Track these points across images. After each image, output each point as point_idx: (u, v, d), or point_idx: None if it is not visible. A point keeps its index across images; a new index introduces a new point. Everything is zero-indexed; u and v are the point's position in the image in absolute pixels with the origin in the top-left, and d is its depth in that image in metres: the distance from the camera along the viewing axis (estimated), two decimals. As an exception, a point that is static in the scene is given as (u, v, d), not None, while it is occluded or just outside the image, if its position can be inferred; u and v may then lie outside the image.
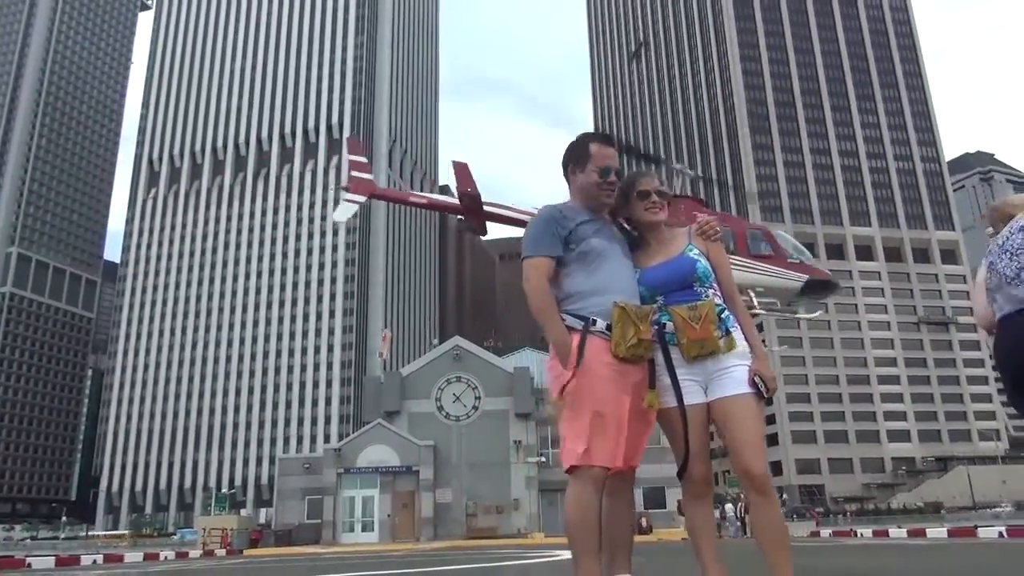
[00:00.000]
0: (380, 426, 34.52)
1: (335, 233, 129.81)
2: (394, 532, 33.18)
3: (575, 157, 2.92)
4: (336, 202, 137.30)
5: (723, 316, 2.75)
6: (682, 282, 2.79)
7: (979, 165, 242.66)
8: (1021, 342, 2.55)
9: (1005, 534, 17.94)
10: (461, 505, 33.68)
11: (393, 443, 34.14)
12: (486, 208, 19.50)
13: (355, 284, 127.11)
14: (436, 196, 17.56)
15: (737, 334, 2.75)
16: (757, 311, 18.83)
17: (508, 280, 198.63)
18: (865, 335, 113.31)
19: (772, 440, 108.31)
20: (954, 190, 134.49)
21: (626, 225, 3.02)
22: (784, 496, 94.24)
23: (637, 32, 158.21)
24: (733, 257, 18.52)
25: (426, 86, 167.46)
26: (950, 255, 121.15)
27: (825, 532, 32.13)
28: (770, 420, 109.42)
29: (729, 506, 30.42)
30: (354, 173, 18.02)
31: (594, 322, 2.68)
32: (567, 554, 10.14)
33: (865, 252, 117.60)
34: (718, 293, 2.82)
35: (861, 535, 26.09)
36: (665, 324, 2.72)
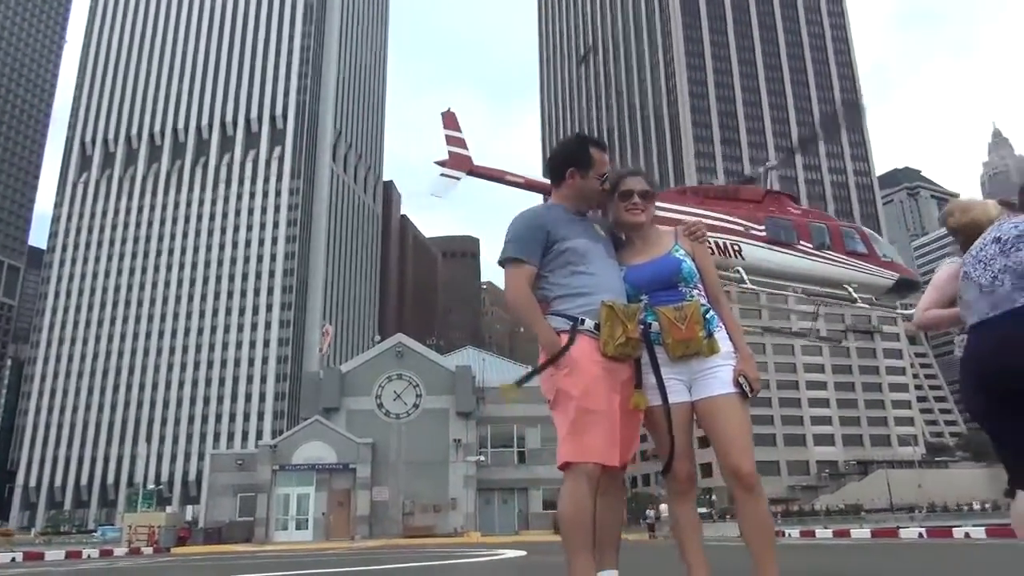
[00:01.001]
0: (318, 423, 34.02)
1: (275, 226, 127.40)
2: (329, 531, 32.73)
3: (576, 160, 2.87)
4: (278, 194, 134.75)
5: (708, 317, 2.77)
6: (667, 282, 2.79)
7: (907, 181, 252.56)
8: (1006, 339, 2.64)
9: (925, 535, 18.72)
10: (398, 504, 33.44)
11: (331, 440, 33.69)
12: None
13: (294, 278, 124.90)
14: (532, 176, 16.96)
15: (721, 335, 2.77)
16: (860, 305, 19.37)
17: (450, 278, 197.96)
18: (795, 341, 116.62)
19: (703, 442, 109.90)
20: (883, 204, 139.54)
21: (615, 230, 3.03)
22: (713, 497, 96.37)
23: (586, 36, 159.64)
24: (830, 253, 18.74)
25: (374, 80, 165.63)
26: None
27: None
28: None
29: (663, 506, 30.87)
30: (451, 148, 17.61)
31: (582, 322, 2.68)
32: (510, 553, 10.20)
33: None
34: (703, 294, 2.83)
35: (789, 535, 26.89)
36: (650, 324, 2.72)
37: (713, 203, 18.22)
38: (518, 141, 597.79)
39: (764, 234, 17.93)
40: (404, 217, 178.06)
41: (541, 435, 37.03)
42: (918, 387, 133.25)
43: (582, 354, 2.63)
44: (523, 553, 12.26)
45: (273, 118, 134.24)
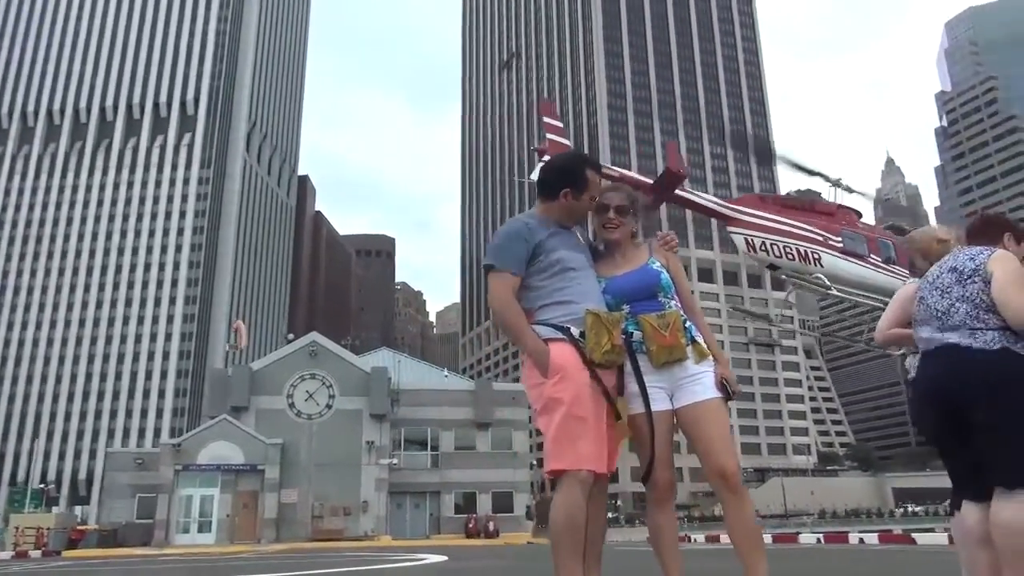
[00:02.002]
0: (226, 421, 32.87)
1: (181, 216, 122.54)
2: (233, 533, 31.67)
3: (573, 181, 2.90)
4: (186, 182, 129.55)
5: (687, 325, 2.84)
6: (647, 292, 2.86)
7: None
8: (960, 372, 2.84)
9: (823, 540, 19.64)
10: (307, 506, 32.66)
11: (238, 440, 32.62)
12: (682, 193, 19.22)
13: (200, 271, 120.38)
14: (627, 172, 16.78)
15: (701, 342, 2.86)
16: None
17: (364, 277, 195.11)
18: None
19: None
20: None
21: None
22: (619, 502, 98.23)
23: (510, 43, 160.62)
24: (896, 267, 19.39)
25: (292, 71, 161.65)
26: (779, 283, 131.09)
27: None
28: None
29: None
30: (551, 136, 17.37)
31: (567, 330, 2.71)
32: (432, 558, 10.13)
33: (707, 274, 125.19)
34: (679, 304, 2.90)
35: (695, 540, 27.73)
36: (632, 333, 2.78)
37: (792, 212, 19.04)
38: (438, 143, 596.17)
39: (841, 245, 18.81)
40: (319, 213, 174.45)
41: (455, 438, 36.95)
42: (812, 399, 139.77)
43: (570, 361, 2.65)
44: (444, 558, 12.20)
45: (184, 103, 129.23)
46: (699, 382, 2.77)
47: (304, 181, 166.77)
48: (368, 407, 34.50)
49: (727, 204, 20.09)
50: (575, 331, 2.71)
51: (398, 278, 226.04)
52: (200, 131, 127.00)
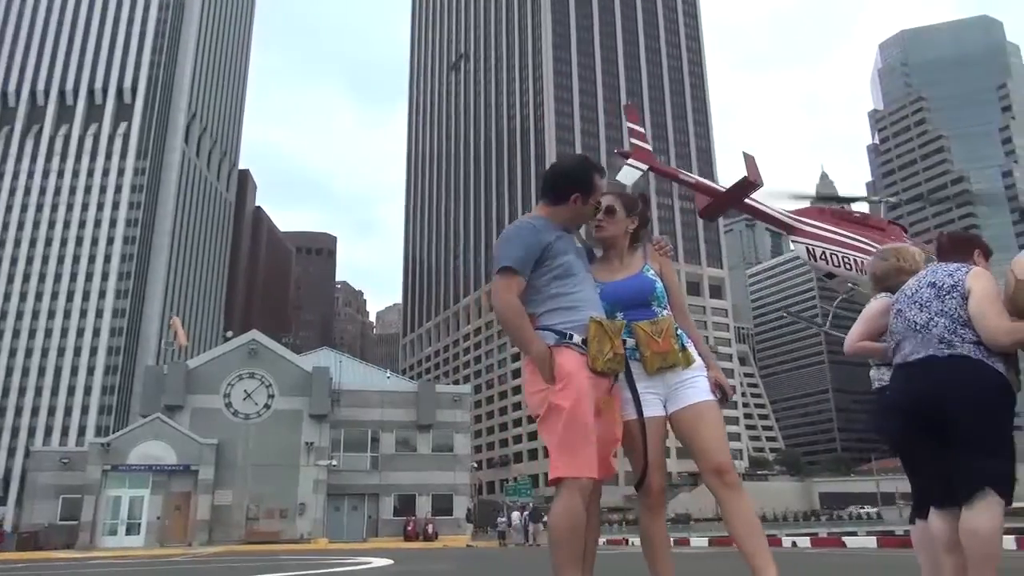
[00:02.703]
0: (159, 421, 31.93)
1: (114, 207, 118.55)
2: (163, 536, 30.79)
3: (583, 186, 2.90)
4: (120, 173, 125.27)
5: (679, 332, 2.88)
6: (641, 300, 2.89)
7: (746, 214, 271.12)
8: (939, 383, 2.97)
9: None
10: (242, 508, 31.96)
11: (172, 439, 31.72)
12: (751, 202, 19.23)
13: (133, 264, 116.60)
14: (703, 179, 16.81)
15: (692, 348, 2.91)
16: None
17: (304, 275, 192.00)
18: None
19: (544, 452, 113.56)
20: (724, 232, 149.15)
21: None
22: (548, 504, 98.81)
23: (458, 44, 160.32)
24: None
25: (235, 63, 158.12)
26: (717, 290, 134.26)
27: (600, 540, 34.26)
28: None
29: (516, 514, 31.37)
30: (634, 141, 17.43)
31: (571, 336, 2.71)
32: (378, 562, 10.02)
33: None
34: (671, 313, 2.94)
35: (633, 543, 28.09)
36: (625, 340, 2.79)
37: (848, 224, 19.53)
38: (384, 142, 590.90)
39: None
40: (259, 209, 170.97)
41: (396, 440, 36.67)
42: (745, 405, 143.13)
43: (574, 369, 2.65)
44: (390, 562, 12.10)
45: (120, 91, 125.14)
46: (692, 386, 2.83)
47: (245, 176, 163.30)
48: (308, 407, 33.97)
49: (791, 215, 20.61)
50: (577, 338, 2.71)
51: (339, 277, 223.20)
52: (137, 121, 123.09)
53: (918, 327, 3.08)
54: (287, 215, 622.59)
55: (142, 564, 14.96)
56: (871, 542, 18.37)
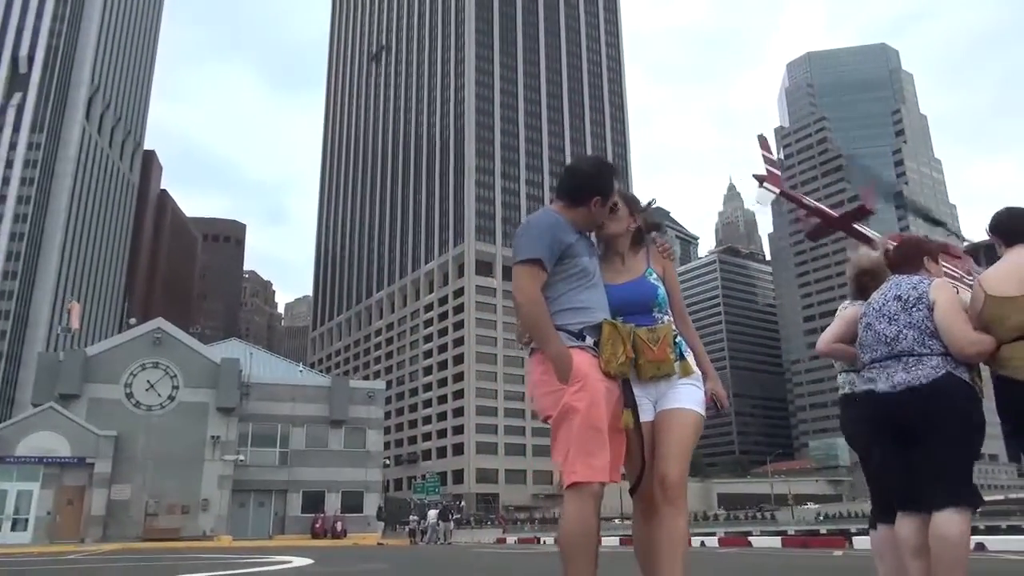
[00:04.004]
0: (52, 410, 30.12)
1: (4, 182, 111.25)
2: (53, 532, 29.08)
3: (601, 191, 2.84)
4: (12, 147, 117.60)
5: (677, 341, 2.85)
6: (644, 306, 2.86)
7: (657, 219, 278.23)
8: (904, 395, 3.09)
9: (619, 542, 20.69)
10: (141, 503, 30.54)
11: (66, 431, 29.99)
12: (858, 227, 19.57)
13: (23, 244, 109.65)
14: (820, 205, 17.31)
15: (691, 358, 2.88)
16: None
17: (210, 263, 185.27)
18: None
19: (458, 450, 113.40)
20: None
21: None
22: (462, 503, 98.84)
23: (380, 35, 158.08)
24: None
25: (143, 38, 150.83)
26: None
27: (511, 539, 34.44)
28: (458, 430, 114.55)
29: (432, 513, 31.17)
30: (768, 168, 18.27)
31: (584, 338, 2.67)
32: (298, 561, 9.73)
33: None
34: (672, 319, 2.91)
35: (545, 542, 28.40)
36: None
37: (944, 256, 20.68)
38: (300, 130, 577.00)
39: (971, 283, 21.08)
40: (164, 192, 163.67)
41: (307, 435, 35.83)
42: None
43: (590, 371, 2.61)
44: (310, 561, 11.78)
45: (15, 60, 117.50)
46: (679, 392, 2.80)
47: (150, 156, 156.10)
48: (215, 400, 32.77)
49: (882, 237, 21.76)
50: (590, 340, 2.67)
51: (247, 266, 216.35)
52: (33, 92, 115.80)
53: (888, 340, 3.22)
54: (194, 200, 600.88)
55: (27, 562, 14.04)
56: (776, 542, 19.17)
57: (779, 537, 21.27)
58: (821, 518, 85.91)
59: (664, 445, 2.72)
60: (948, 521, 2.91)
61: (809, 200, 19.71)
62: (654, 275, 2.94)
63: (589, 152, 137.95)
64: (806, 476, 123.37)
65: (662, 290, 2.92)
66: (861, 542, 16.81)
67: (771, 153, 21.34)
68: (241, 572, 8.73)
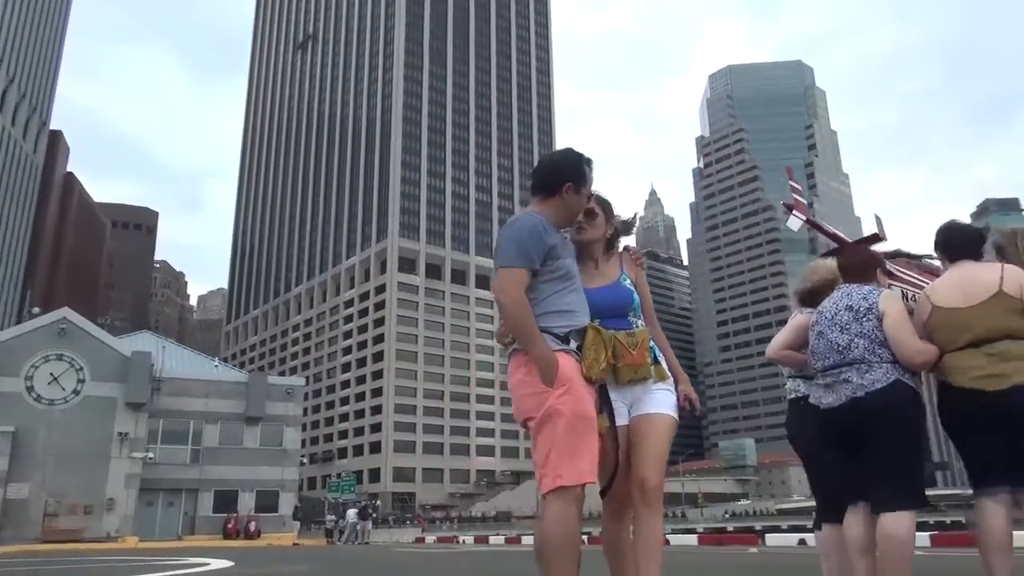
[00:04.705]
0: (-58, 404, 28.29)
1: None
2: (-60, 534, 27.29)
3: (574, 177, 2.83)
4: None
5: (651, 345, 2.91)
6: (621, 310, 2.89)
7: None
8: (855, 401, 3.22)
9: (586, 541, 20.95)
10: (40, 503, 28.94)
11: (-43, 425, 28.21)
12: (889, 263, 19.73)
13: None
14: (836, 231, 17.49)
15: (664, 363, 2.94)
16: None
17: (120, 251, 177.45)
18: (472, 357, 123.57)
19: (375, 448, 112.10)
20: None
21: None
22: (378, 502, 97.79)
23: (307, 23, 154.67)
24: None
25: (51, 11, 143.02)
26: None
27: (430, 538, 34.22)
28: (376, 428, 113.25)
29: (351, 512, 30.66)
30: (795, 196, 19.08)
31: (568, 341, 2.67)
32: (216, 563, 9.42)
33: (484, 281, 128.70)
34: (644, 325, 2.96)
35: (464, 541, 28.33)
36: None
37: (927, 274, 21.23)
38: (219, 118, 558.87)
39: None
40: (71, 175, 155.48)
41: (221, 433, 34.71)
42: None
43: (575, 374, 2.62)
44: (229, 563, 11.40)
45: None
46: (654, 396, 2.86)
47: (56, 137, 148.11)
48: (124, 395, 31.35)
49: (892, 264, 22.26)
50: (573, 343, 2.68)
51: (158, 256, 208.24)
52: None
53: (840, 348, 3.35)
54: (104, 185, 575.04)
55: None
56: (692, 539, 19.67)
57: (695, 535, 21.82)
58: (728, 516, 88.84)
59: (643, 449, 2.77)
60: (896, 521, 3.05)
61: (827, 226, 21.36)
62: (628, 280, 2.99)
63: (516, 153, 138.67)
64: (715, 475, 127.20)
65: (636, 295, 2.97)
66: (773, 539, 17.46)
67: (796, 183, 23.09)
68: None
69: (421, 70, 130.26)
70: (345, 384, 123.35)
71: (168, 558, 14.12)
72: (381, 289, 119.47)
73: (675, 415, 2.89)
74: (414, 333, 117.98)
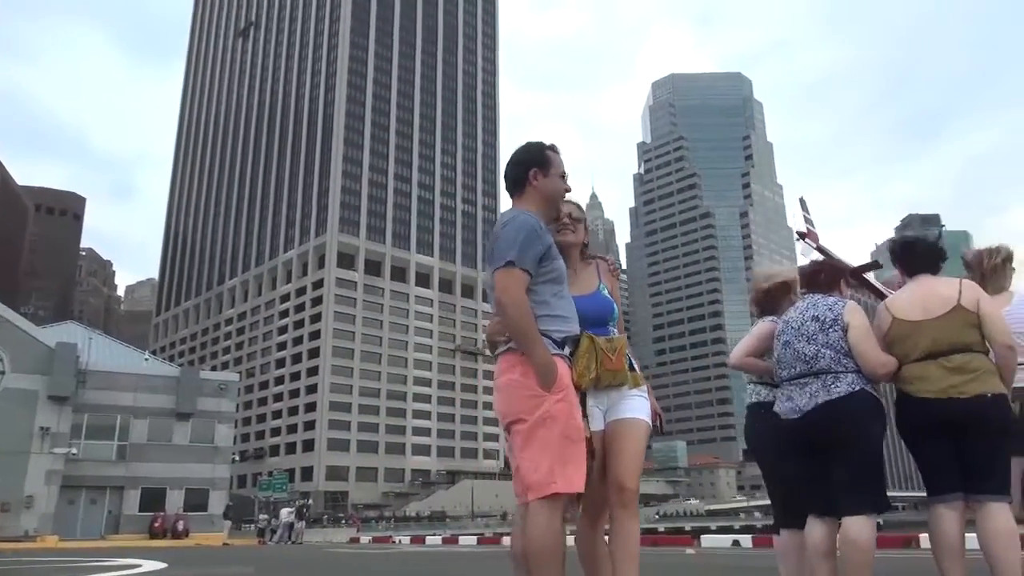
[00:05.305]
0: None
1: None
2: None
3: (537, 162, 2.84)
4: None
5: (627, 352, 2.94)
6: (603, 319, 2.92)
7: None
8: (821, 409, 3.31)
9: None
10: (-49, 501, 27.55)
11: None
12: (868, 279, 20.38)
13: None
14: (841, 259, 18.07)
15: (638, 370, 2.98)
16: None
17: (43, 236, 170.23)
18: (410, 355, 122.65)
19: (308, 446, 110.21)
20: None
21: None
22: (310, 502, 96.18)
23: (249, 10, 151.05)
24: None
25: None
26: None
27: (365, 539, 33.81)
28: (309, 426, 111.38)
29: (285, 511, 30.06)
30: (808, 227, 19.90)
31: (563, 347, 2.66)
32: (149, 565, 9.10)
33: (424, 279, 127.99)
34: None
35: (400, 541, 28.07)
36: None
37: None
38: (154, 103, 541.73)
39: None
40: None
41: (149, 428, 33.59)
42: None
43: (569, 381, 2.62)
44: (162, 565, 11.02)
45: None
46: (630, 403, 2.89)
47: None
48: (47, 388, 30.05)
49: (885, 286, 22.50)
50: (567, 349, 2.68)
51: (85, 243, 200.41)
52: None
53: (807, 358, 3.44)
54: (27, 167, 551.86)
55: None
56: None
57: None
58: (659, 516, 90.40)
59: (621, 453, 2.80)
60: (858, 526, 3.14)
61: (833, 253, 23.18)
62: (606, 290, 3.03)
63: (460, 152, 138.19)
64: (647, 476, 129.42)
65: (616, 306, 3.02)
66: (708, 540, 17.80)
67: (809, 214, 25.29)
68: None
69: (366, 64, 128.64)
70: (279, 380, 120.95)
71: (95, 559, 13.58)
72: (319, 284, 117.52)
73: (650, 421, 2.92)
74: (351, 330, 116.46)
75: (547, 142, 2.95)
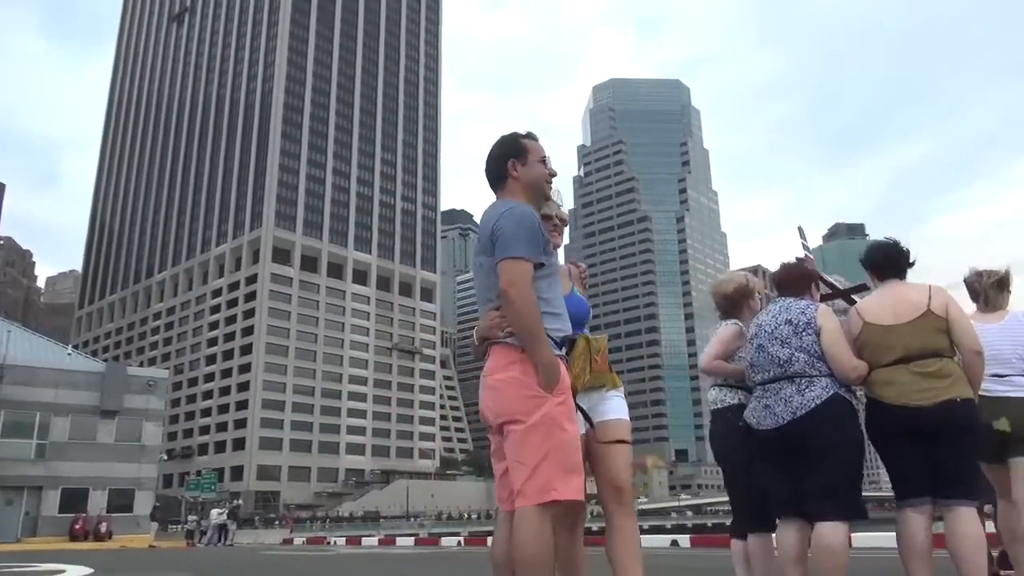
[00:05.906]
0: None
1: None
2: None
3: (514, 152, 2.76)
4: None
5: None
6: (580, 321, 2.90)
7: (461, 222, 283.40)
8: (795, 414, 3.30)
9: (464, 542, 20.84)
10: None
11: None
12: (856, 298, 20.02)
13: None
14: (834, 283, 17.21)
15: (614, 372, 2.97)
16: None
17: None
18: (346, 353, 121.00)
19: (239, 445, 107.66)
20: (441, 238, 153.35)
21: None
22: (239, 502, 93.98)
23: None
24: None
25: None
26: (428, 293, 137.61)
27: (299, 539, 33.15)
28: (240, 424, 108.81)
29: (215, 512, 29.19)
30: (806, 253, 19.59)
31: (561, 347, 2.59)
32: (75, 570, 8.65)
33: (361, 277, 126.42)
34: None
35: (335, 543, 27.62)
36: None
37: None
38: (80, 88, 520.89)
39: None
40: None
41: (71, 426, 32.18)
42: (441, 407, 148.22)
43: (568, 383, 2.56)
44: (88, 570, 10.51)
45: None
46: (612, 404, 2.93)
47: None
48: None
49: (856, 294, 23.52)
50: (563, 350, 2.61)
51: (3, 232, 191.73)
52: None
53: (781, 362, 3.44)
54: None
55: None
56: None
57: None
58: (591, 516, 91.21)
59: (613, 454, 2.85)
60: (832, 531, 3.14)
61: (828, 278, 23.12)
62: (577, 292, 3.06)
63: (400, 148, 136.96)
64: (588, 475, 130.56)
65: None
66: (647, 540, 17.96)
67: (806, 240, 25.31)
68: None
69: (305, 56, 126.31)
70: (209, 377, 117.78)
71: (15, 564, 12.88)
72: (252, 279, 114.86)
73: (629, 420, 2.97)
74: (286, 327, 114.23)
75: (522, 132, 2.89)
